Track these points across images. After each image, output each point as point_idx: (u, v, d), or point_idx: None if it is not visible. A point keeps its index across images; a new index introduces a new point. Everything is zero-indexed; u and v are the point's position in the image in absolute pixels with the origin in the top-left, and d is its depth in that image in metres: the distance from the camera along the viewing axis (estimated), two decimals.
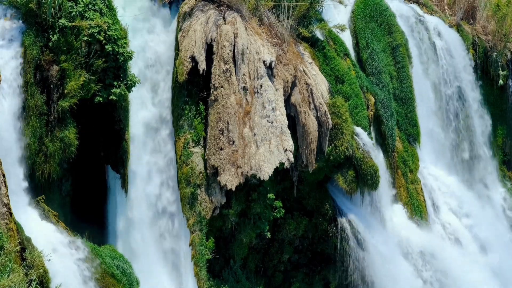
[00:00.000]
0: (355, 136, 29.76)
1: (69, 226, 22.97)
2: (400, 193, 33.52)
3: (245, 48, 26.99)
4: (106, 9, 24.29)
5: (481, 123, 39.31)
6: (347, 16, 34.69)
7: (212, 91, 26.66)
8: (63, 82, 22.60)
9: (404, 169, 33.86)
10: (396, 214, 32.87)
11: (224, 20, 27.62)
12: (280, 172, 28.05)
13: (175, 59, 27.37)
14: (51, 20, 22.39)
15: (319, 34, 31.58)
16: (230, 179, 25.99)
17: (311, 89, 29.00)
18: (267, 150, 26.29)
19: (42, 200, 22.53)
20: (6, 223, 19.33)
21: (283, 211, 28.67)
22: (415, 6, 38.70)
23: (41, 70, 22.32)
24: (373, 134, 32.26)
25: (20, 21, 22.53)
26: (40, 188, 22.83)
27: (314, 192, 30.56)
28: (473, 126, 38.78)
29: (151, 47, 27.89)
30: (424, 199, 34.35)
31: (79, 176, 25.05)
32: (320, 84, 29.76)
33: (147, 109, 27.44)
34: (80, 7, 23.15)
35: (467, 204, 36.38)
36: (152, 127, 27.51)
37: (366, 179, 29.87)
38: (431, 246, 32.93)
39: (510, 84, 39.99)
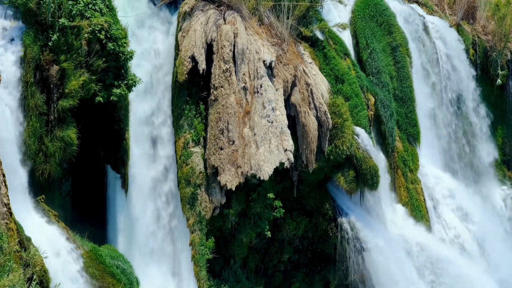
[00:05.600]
0: (355, 136, 29.75)
1: (69, 226, 22.97)
2: (400, 193, 33.52)
3: (245, 48, 26.99)
4: (106, 9, 24.30)
5: (480, 122, 39.30)
6: (347, 16, 34.70)
7: (212, 91, 26.65)
8: (63, 82, 22.59)
9: (404, 169, 33.86)
10: (396, 214, 32.86)
11: (224, 20, 27.61)
12: (280, 172, 28.05)
13: (175, 59, 27.36)
14: (50, 20, 22.38)
15: (319, 34, 31.58)
16: (230, 179, 25.98)
17: (311, 89, 28.99)
18: (267, 150, 26.29)
19: (42, 200, 22.52)
20: (6, 223, 19.33)
21: (283, 211, 28.66)
22: (415, 6, 38.73)
23: (41, 69, 22.31)
24: (373, 134, 32.25)
25: (20, 21, 22.52)
26: (40, 188, 22.82)
27: (314, 192, 30.55)
28: (473, 125, 38.79)
29: (151, 47, 27.89)
30: (424, 199, 34.35)
31: (79, 176, 25.04)
32: (320, 84, 29.76)
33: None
34: (80, 6, 23.14)
35: (467, 204, 36.38)
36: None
37: (366, 179, 29.85)
38: (431, 246, 32.92)
39: (510, 84, 40.00)
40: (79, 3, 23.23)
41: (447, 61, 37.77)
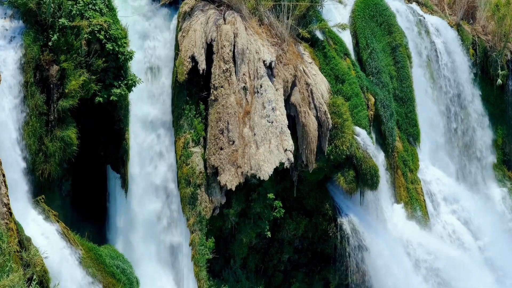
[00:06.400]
0: (355, 136, 29.74)
1: (69, 225, 22.97)
2: (400, 193, 33.52)
3: (245, 48, 26.98)
4: (106, 9, 24.29)
5: (480, 122, 39.30)
6: (347, 16, 34.69)
7: (212, 91, 26.65)
8: (63, 82, 22.60)
9: (404, 169, 33.86)
10: (396, 214, 32.86)
11: (224, 20, 27.61)
12: (280, 172, 28.04)
13: (175, 59, 27.36)
14: (50, 20, 22.38)
15: (319, 34, 31.58)
16: (230, 179, 25.98)
17: (311, 89, 28.99)
18: (267, 150, 26.28)
19: (42, 200, 22.51)
20: (6, 223, 19.33)
21: (283, 211, 28.66)
22: (415, 6, 38.71)
23: (41, 69, 22.32)
24: (373, 134, 32.24)
25: (20, 21, 22.52)
26: (40, 188, 22.81)
27: (314, 192, 30.54)
28: (472, 125, 38.79)
29: (151, 47, 27.89)
30: (424, 199, 34.34)
31: (79, 176, 25.04)
32: (320, 84, 29.76)
33: None
34: (80, 6, 23.13)
35: (467, 204, 36.38)
36: None
37: (366, 179, 29.85)
38: (431, 246, 32.92)
39: (510, 84, 39.99)
40: (79, 3, 23.22)
41: (447, 61, 37.76)
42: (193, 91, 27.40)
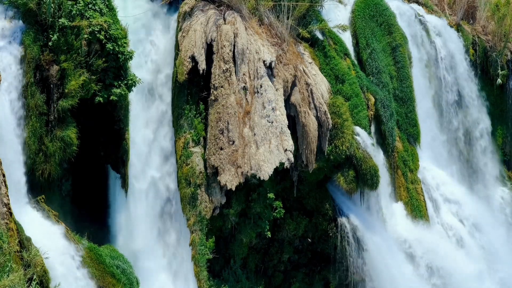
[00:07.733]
0: (355, 136, 29.75)
1: (69, 226, 22.98)
2: (400, 193, 33.52)
3: (245, 48, 26.99)
4: (106, 9, 24.30)
5: (480, 122, 39.31)
6: (347, 16, 34.70)
7: (212, 91, 26.66)
8: (63, 82, 22.61)
9: (404, 169, 33.86)
10: (396, 214, 32.87)
11: (224, 20, 27.62)
12: (280, 172, 28.05)
13: (175, 59, 27.38)
14: (50, 20, 22.40)
15: (319, 34, 31.58)
16: (230, 179, 25.99)
17: (311, 89, 29.00)
18: (267, 150, 26.29)
19: (42, 200, 22.53)
20: (6, 223, 19.34)
21: (283, 211, 28.67)
22: (415, 6, 38.72)
23: (41, 70, 22.33)
24: (373, 134, 32.25)
25: (20, 21, 22.53)
26: (40, 188, 22.82)
27: (314, 192, 30.56)
28: (473, 125, 38.80)
29: (151, 46, 27.91)
30: (424, 199, 34.35)
31: (79, 176, 25.04)
32: (320, 84, 29.77)
33: None
34: (80, 6, 23.15)
35: (467, 204, 36.39)
36: None
37: (366, 179, 29.86)
38: (431, 246, 32.93)
39: (510, 84, 40.00)
40: (79, 3, 23.24)
41: (447, 61, 37.78)
42: (193, 91, 27.42)
